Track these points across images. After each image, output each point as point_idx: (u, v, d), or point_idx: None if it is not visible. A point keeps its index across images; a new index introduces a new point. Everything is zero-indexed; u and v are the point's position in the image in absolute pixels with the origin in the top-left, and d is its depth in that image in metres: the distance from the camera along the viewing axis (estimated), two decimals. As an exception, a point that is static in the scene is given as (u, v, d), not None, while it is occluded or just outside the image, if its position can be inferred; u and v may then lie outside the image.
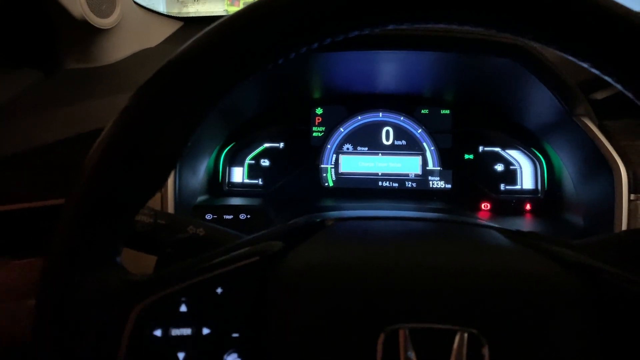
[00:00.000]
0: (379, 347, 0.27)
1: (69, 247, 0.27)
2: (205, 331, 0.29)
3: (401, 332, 0.27)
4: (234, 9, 1.27)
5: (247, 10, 0.27)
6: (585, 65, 0.28)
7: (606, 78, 0.28)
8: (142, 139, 0.27)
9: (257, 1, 0.27)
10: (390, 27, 0.28)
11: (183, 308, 0.29)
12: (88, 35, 0.82)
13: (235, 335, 0.30)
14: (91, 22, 0.79)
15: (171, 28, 0.99)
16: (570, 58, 0.28)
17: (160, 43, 0.94)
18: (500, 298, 0.29)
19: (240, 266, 0.31)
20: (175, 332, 0.29)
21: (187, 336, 0.29)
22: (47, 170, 0.64)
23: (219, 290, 0.30)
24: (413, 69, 0.78)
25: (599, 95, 0.74)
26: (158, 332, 0.29)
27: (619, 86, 0.28)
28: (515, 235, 0.37)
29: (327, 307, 0.29)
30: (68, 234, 0.27)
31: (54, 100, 0.71)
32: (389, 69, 0.78)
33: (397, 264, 0.31)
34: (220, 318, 0.30)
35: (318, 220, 0.39)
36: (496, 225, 0.42)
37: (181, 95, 0.27)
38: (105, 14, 0.81)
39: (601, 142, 0.67)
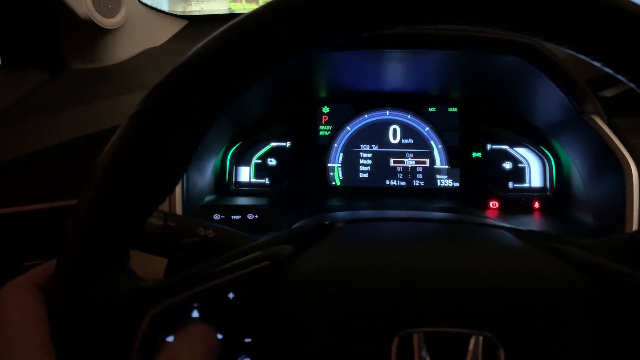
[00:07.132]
0: (393, 352, 0.27)
1: (79, 253, 0.27)
2: (218, 337, 0.29)
3: (415, 336, 0.27)
4: (237, 6, 1.27)
5: (259, 11, 0.27)
6: (597, 64, 0.27)
7: (618, 77, 0.28)
8: (154, 143, 0.27)
9: (266, 3, 0.27)
10: (403, 27, 0.27)
11: (195, 314, 0.29)
12: (94, 35, 0.82)
13: (247, 340, 0.30)
14: (97, 22, 0.79)
15: (176, 27, 0.99)
16: (581, 57, 0.27)
17: (165, 42, 0.94)
18: (514, 300, 0.29)
19: (251, 271, 0.30)
20: None
21: None
22: (57, 172, 0.63)
23: (231, 296, 0.30)
24: (420, 67, 0.77)
25: (608, 93, 0.73)
26: (170, 339, 0.28)
27: (632, 85, 0.28)
28: (528, 236, 0.37)
29: (338, 312, 0.29)
30: (79, 240, 0.27)
31: (61, 101, 0.71)
32: (395, 67, 0.77)
33: (408, 267, 0.31)
34: (232, 323, 0.30)
35: (327, 222, 0.39)
36: (508, 226, 0.41)
37: (193, 98, 0.27)
38: (110, 14, 0.81)
39: (611, 139, 0.66)
